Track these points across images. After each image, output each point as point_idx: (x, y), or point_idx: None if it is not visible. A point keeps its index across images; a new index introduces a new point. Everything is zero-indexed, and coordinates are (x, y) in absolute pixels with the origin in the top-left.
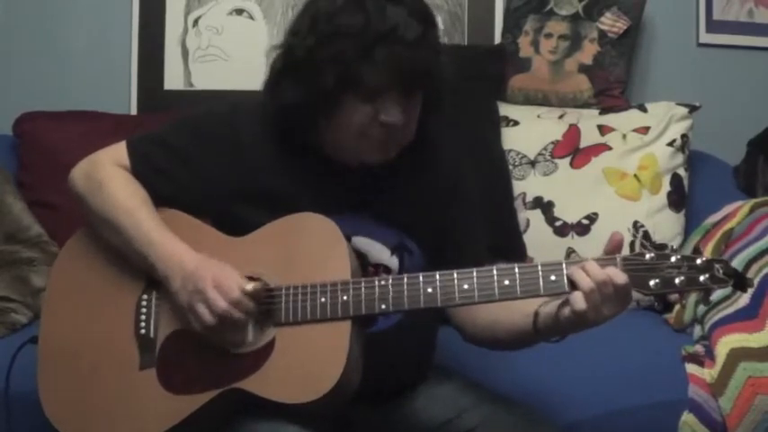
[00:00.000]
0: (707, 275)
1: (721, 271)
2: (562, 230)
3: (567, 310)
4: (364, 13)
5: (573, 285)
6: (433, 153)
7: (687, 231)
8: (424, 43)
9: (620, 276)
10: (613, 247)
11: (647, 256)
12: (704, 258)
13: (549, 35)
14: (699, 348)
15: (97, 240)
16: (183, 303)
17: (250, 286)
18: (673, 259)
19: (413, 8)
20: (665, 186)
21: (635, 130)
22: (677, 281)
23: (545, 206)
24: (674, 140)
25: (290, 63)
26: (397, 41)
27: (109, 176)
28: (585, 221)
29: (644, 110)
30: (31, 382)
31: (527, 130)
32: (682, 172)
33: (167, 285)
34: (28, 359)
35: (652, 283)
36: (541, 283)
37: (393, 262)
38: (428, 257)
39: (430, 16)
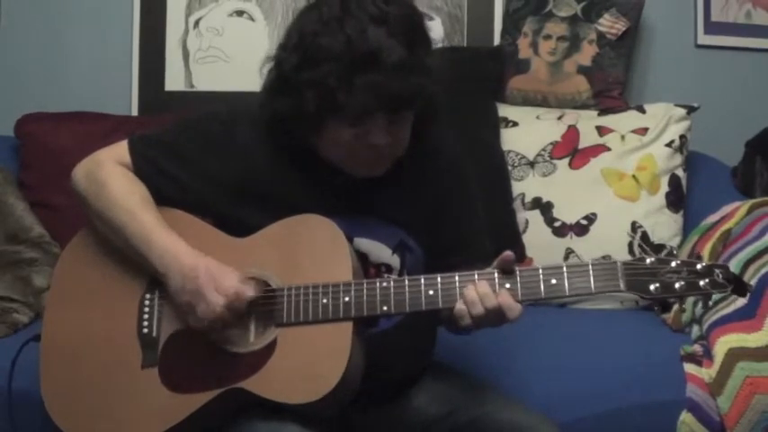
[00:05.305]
0: (707, 280)
1: (721, 276)
2: (561, 231)
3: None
4: (345, 35)
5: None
6: (432, 152)
7: (685, 232)
8: (408, 65)
9: (514, 309)
10: (504, 265)
11: (648, 260)
12: (704, 263)
13: (547, 36)
14: (697, 348)
15: (100, 239)
16: (183, 303)
17: (251, 292)
18: (673, 264)
19: (396, 28)
20: (664, 187)
21: (633, 131)
22: (677, 285)
23: (544, 207)
24: (672, 141)
25: (278, 77)
26: (379, 67)
27: (110, 175)
28: (584, 222)
29: (642, 111)
30: (33, 380)
31: (526, 131)
32: (680, 173)
33: (166, 284)
34: (30, 357)
35: (652, 287)
36: (542, 287)
37: (395, 261)
38: (428, 255)
39: (417, 33)
